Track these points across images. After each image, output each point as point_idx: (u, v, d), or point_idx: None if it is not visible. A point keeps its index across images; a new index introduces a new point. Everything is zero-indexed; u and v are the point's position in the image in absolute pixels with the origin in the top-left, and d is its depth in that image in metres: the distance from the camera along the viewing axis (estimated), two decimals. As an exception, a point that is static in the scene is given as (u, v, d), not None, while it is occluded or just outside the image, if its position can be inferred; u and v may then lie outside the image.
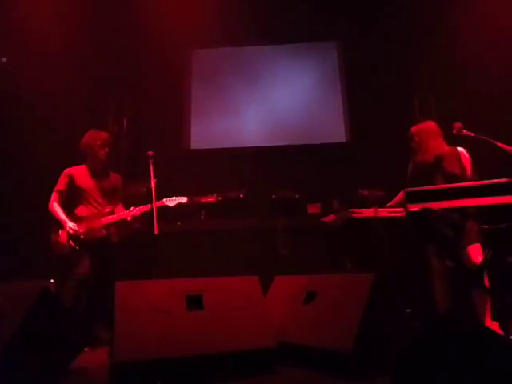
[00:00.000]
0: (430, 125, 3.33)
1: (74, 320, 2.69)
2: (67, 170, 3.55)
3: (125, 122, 5.86)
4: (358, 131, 5.88)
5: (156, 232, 3.19)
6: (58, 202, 3.47)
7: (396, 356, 1.16)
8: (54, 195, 3.50)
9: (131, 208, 3.51)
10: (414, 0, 5.41)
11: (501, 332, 2.80)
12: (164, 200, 3.54)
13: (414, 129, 3.35)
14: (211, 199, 4.59)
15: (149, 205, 3.40)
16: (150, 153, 3.54)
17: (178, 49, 6.06)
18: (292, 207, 4.77)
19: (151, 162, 3.51)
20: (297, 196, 4.84)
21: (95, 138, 3.56)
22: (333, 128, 6.05)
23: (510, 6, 4.75)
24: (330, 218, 3.97)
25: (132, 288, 2.58)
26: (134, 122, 5.81)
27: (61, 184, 3.51)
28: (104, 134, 3.62)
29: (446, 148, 3.25)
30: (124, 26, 5.68)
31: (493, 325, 2.86)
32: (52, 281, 3.99)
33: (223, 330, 2.46)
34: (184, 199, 3.58)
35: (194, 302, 2.54)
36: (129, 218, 3.48)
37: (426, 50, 5.42)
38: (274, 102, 6.14)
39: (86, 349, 2.88)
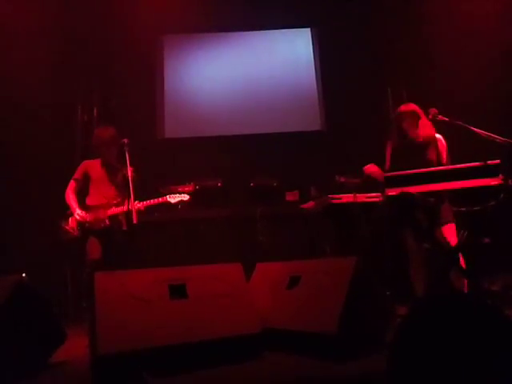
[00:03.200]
0: (417, 107, 3.36)
1: (53, 312, 2.61)
2: (85, 162, 3.73)
3: (95, 110, 5.67)
4: (333, 119, 5.92)
5: (135, 221, 3.12)
6: (72, 190, 3.60)
7: (385, 340, 1.16)
8: (70, 183, 3.63)
9: (136, 202, 3.48)
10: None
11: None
12: (167, 196, 3.57)
13: (404, 108, 3.35)
14: (189, 188, 4.52)
15: (156, 199, 3.50)
16: (126, 140, 3.47)
17: (149, 33, 5.88)
18: (270, 195, 4.78)
19: (127, 150, 3.43)
20: (275, 184, 4.85)
21: (105, 134, 3.63)
22: (309, 116, 6.07)
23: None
24: (310, 204, 4.00)
25: (112, 279, 2.51)
26: (105, 110, 5.63)
27: (78, 173, 3.66)
28: (112, 130, 3.67)
29: (432, 132, 3.31)
30: (92, 11, 5.46)
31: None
32: (24, 275, 3.87)
33: (208, 317, 2.44)
34: (186, 197, 3.62)
35: (177, 290, 2.50)
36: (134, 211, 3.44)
37: (399, 39, 5.49)
38: (250, 89, 6.09)
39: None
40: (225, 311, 2.49)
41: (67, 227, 3.54)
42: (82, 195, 3.63)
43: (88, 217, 3.47)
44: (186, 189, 4.62)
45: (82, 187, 3.64)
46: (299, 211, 4.21)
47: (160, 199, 3.53)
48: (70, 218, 3.54)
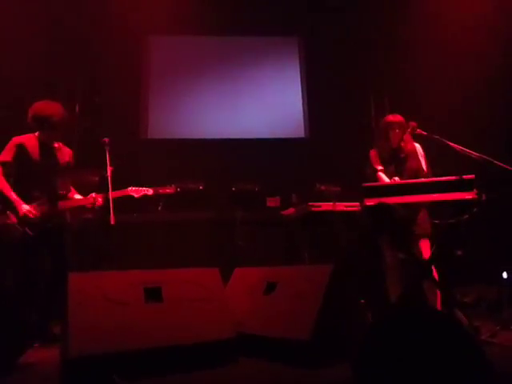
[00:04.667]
0: (403, 119, 3.44)
1: (19, 313, 2.54)
2: (15, 139, 3.04)
3: (77, 107, 5.58)
4: (316, 127, 5.99)
5: (112, 222, 3.06)
6: (3, 176, 2.97)
7: (355, 346, 1.18)
8: None
9: (92, 194, 3.25)
10: (373, 1, 5.56)
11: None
12: (129, 189, 3.32)
13: (393, 118, 3.41)
14: (170, 190, 4.47)
15: (115, 192, 3.16)
16: (106, 140, 3.36)
17: (136, 33, 5.85)
18: (251, 200, 4.78)
19: (107, 149, 3.35)
20: (256, 189, 4.86)
21: (53, 109, 3.10)
22: (292, 123, 6.12)
23: (463, 6, 4.99)
24: (290, 211, 4.03)
25: (86, 280, 2.47)
26: (88, 108, 5.56)
27: (7, 154, 2.99)
28: (60, 106, 3.17)
29: (413, 144, 3.40)
30: (79, 9, 5.40)
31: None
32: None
33: (183, 322, 2.42)
34: (150, 191, 3.40)
35: (153, 294, 2.48)
36: (89, 206, 3.23)
37: (382, 48, 5.60)
38: (235, 94, 6.10)
39: (36, 344, 2.72)
40: (200, 316, 2.48)
41: (10, 222, 2.94)
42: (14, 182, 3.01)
43: (36, 212, 2.97)
44: (167, 190, 4.57)
45: (12, 171, 3.00)
46: (279, 217, 4.23)
47: (121, 192, 3.24)
48: (11, 214, 2.95)
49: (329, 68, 5.83)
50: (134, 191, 3.35)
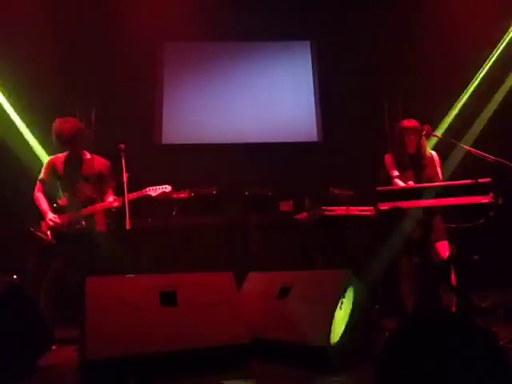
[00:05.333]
0: (418, 124, 3.41)
1: (42, 316, 2.60)
2: (49, 159, 3.48)
3: (93, 114, 5.68)
4: (329, 131, 5.98)
5: (128, 227, 3.11)
6: (40, 192, 3.38)
7: (377, 356, 1.18)
8: (37, 185, 3.42)
9: (109, 197, 3.38)
10: (387, 5, 5.55)
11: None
12: (147, 189, 3.41)
13: (408, 123, 3.39)
14: (184, 195, 4.53)
15: (132, 194, 3.32)
16: (122, 146, 3.44)
17: (150, 40, 5.94)
18: (265, 204, 4.79)
19: (123, 155, 3.42)
20: (269, 193, 4.87)
21: (68, 127, 3.35)
22: (305, 127, 6.12)
23: (476, 11, 4.94)
24: (303, 215, 4.03)
25: (103, 284, 2.52)
26: (103, 115, 5.65)
27: (43, 173, 3.42)
28: (73, 121, 3.49)
29: (430, 152, 3.38)
30: (93, 17, 5.51)
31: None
32: (15, 277, 3.85)
33: (197, 326, 2.44)
34: (168, 188, 3.47)
35: (168, 298, 2.51)
36: (113, 209, 3.35)
37: (397, 53, 5.58)
38: (247, 99, 6.14)
39: (54, 347, 2.77)
40: (214, 320, 2.50)
41: (39, 231, 3.29)
42: (53, 195, 3.38)
43: (62, 220, 3.26)
44: (181, 195, 4.63)
45: (50, 187, 3.37)
46: (293, 221, 4.23)
47: (139, 193, 3.36)
48: (42, 223, 3.30)
49: (342, 72, 5.83)
50: (152, 190, 3.42)
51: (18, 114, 4.86)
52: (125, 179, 3.30)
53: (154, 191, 3.42)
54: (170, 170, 5.29)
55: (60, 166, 3.39)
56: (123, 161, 3.40)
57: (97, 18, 5.53)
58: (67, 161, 3.42)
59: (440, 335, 0.98)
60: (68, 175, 3.37)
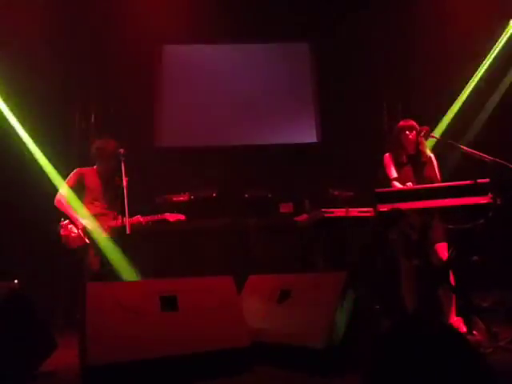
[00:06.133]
0: (416, 124, 3.41)
1: (43, 321, 2.60)
2: (79, 170, 3.65)
3: (92, 117, 5.69)
4: (328, 132, 5.98)
5: (128, 232, 3.13)
6: (66, 198, 3.54)
7: (366, 356, 1.18)
8: (62, 190, 3.57)
9: (137, 216, 3.55)
10: (385, 5, 5.55)
11: (464, 328, 2.93)
12: (166, 214, 3.64)
13: (405, 123, 3.41)
14: (183, 198, 4.53)
15: (156, 216, 3.60)
16: (122, 150, 3.48)
17: (148, 43, 5.94)
18: (264, 206, 4.80)
19: (122, 160, 3.45)
20: (269, 195, 4.87)
21: (109, 147, 3.62)
22: (304, 128, 6.12)
23: (474, 10, 4.94)
24: (303, 217, 4.04)
25: (103, 289, 2.53)
26: (103, 118, 5.66)
27: (72, 181, 3.59)
28: (114, 143, 3.66)
29: (429, 152, 3.39)
30: (92, 19, 5.50)
31: (457, 321, 3.01)
32: (16, 281, 3.86)
33: (198, 330, 2.45)
34: (182, 217, 3.71)
35: (168, 302, 2.52)
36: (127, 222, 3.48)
37: (396, 53, 5.57)
38: (247, 100, 6.14)
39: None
40: (215, 324, 2.50)
41: (70, 234, 3.45)
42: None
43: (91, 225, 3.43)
44: (181, 198, 4.63)
45: (71, 195, 3.55)
46: (293, 224, 4.24)
47: (160, 216, 3.61)
48: (71, 226, 3.46)
49: (340, 72, 5.82)
50: (170, 216, 3.67)
51: (17, 119, 4.85)
52: (124, 184, 3.33)
53: (172, 217, 3.66)
54: (170, 173, 5.29)
55: (88, 179, 3.60)
56: (123, 165, 3.42)
57: (95, 21, 5.52)
58: (95, 176, 3.63)
59: (426, 343, 0.99)
60: (94, 189, 3.58)
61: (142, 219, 3.53)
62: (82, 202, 3.56)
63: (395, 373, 0.98)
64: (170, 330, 2.41)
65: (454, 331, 0.98)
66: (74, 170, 3.65)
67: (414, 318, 1.30)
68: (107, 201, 3.61)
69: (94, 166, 3.69)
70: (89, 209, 3.53)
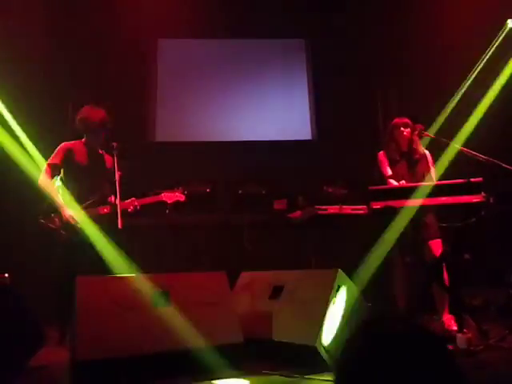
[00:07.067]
0: (410, 122, 3.42)
1: (33, 316, 2.58)
2: (65, 144, 3.24)
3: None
4: (323, 129, 5.98)
5: (120, 226, 3.08)
6: (50, 179, 3.13)
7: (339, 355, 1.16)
8: (47, 169, 3.15)
9: (132, 198, 3.28)
10: (381, 4, 5.54)
11: (455, 325, 2.95)
12: (163, 195, 3.39)
13: (399, 120, 3.41)
14: (180, 198, 4.49)
15: (152, 198, 3.31)
16: (115, 144, 3.38)
17: (143, 36, 5.88)
18: (258, 203, 4.79)
19: (115, 154, 3.37)
20: (263, 192, 4.86)
21: (97, 117, 3.25)
22: (299, 126, 6.11)
23: (470, 10, 4.95)
24: (297, 214, 4.04)
25: (94, 284, 2.51)
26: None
27: (57, 157, 3.17)
28: (103, 113, 3.31)
29: (423, 150, 3.39)
30: (87, 11, 5.45)
31: (450, 318, 3.02)
32: (6, 275, 3.81)
33: (190, 326, 2.43)
34: (182, 197, 3.48)
35: (161, 297, 2.50)
36: (130, 210, 3.26)
37: (391, 52, 5.57)
38: (242, 96, 6.12)
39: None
40: (207, 320, 2.49)
41: (54, 226, 3.08)
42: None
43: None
44: (178, 198, 4.59)
45: (57, 174, 3.17)
46: (286, 220, 4.24)
47: (156, 197, 3.35)
48: (55, 217, 3.08)
49: (336, 70, 5.82)
50: (167, 196, 3.42)
51: (10, 114, 4.79)
52: (117, 178, 3.25)
53: (170, 198, 3.41)
54: (163, 168, 5.26)
55: (78, 154, 3.20)
56: (115, 159, 3.35)
57: (89, 16, 5.46)
58: (89, 151, 3.24)
59: (392, 347, 0.97)
60: (91, 167, 3.21)
61: (136, 202, 3.26)
62: (66, 178, 3.20)
63: (360, 374, 0.97)
64: (162, 325, 2.39)
65: (421, 329, 0.97)
66: (61, 144, 3.25)
67: (380, 317, 1.28)
68: (94, 179, 3.25)
69: (83, 139, 3.32)
70: (78, 194, 3.16)
